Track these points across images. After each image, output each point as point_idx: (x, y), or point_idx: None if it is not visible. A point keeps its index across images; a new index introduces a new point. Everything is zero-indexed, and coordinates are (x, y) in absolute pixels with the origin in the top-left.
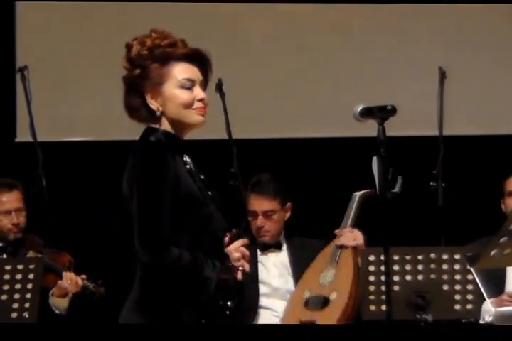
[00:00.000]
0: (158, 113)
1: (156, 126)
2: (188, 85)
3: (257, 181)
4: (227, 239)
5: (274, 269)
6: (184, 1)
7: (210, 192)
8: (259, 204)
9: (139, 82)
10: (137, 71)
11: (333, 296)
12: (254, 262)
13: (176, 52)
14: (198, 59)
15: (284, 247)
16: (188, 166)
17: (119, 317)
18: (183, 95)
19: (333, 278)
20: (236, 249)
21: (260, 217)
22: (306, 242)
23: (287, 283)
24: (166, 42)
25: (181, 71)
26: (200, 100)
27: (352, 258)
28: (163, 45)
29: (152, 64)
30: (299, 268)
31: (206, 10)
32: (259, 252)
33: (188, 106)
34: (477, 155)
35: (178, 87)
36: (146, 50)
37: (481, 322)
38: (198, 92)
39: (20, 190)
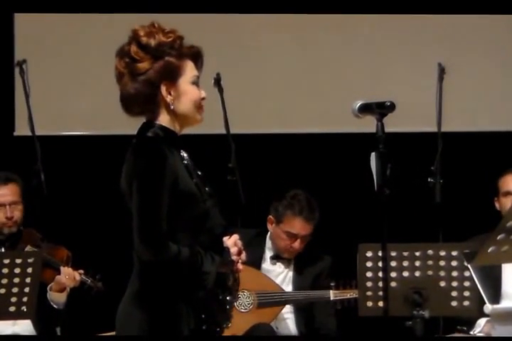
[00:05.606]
0: (171, 106)
1: (154, 120)
2: (197, 82)
3: (305, 206)
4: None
5: (279, 277)
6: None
7: (207, 188)
8: (303, 228)
9: (154, 72)
10: (152, 60)
11: None
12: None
13: (188, 49)
14: (200, 58)
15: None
16: (185, 161)
17: (117, 311)
18: (196, 92)
19: None
20: (234, 243)
21: (299, 240)
22: (313, 256)
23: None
24: (181, 37)
25: (192, 67)
26: (203, 99)
27: None
28: (180, 38)
29: (170, 56)
30: (299, 278)
31: (204, 5)
32: (268, 261)
33: (198, 103)
34: (475, 151)
35: (190, 83)
36: (168, 41)
37: (471, 333)
38: (201, 91)
39: (17, 184)
